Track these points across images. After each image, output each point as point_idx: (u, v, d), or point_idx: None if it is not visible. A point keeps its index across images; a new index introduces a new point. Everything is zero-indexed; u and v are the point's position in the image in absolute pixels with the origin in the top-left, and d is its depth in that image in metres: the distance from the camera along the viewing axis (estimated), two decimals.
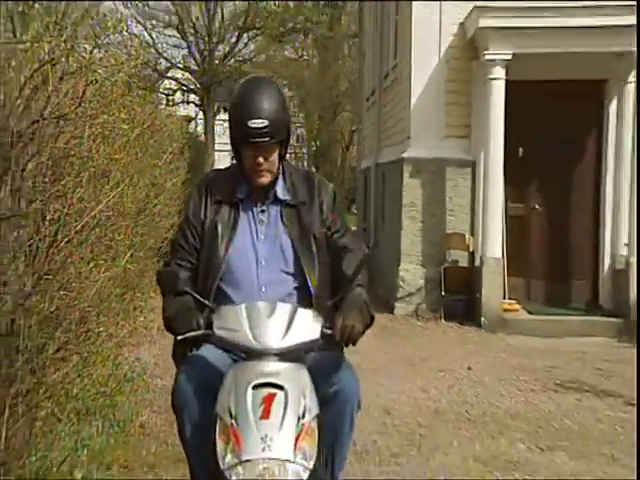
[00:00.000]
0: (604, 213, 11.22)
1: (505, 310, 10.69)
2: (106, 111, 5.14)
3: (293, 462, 2.80)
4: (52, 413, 4.87)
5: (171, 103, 32.69)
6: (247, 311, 3.08)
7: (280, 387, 2.89)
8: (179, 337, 3.09)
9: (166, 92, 34.07)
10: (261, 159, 3.37)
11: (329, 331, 3.10)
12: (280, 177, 3.54)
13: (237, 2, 33.53)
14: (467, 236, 11.24)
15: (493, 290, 10.50)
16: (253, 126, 3.28)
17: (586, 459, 5.74)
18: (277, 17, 32.48)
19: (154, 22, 33.25)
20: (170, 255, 3.59)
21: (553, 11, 10.13)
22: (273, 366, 2.97)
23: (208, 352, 3.28)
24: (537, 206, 11.47)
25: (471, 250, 11.21)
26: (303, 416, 2.87)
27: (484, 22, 10.29)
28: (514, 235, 11.15)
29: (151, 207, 7.85)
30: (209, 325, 3.10)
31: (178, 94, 35.85)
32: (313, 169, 34.82)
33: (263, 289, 3.43)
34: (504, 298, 10.80)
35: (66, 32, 4.91)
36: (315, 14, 32.04)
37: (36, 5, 5.66)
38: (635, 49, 9.53)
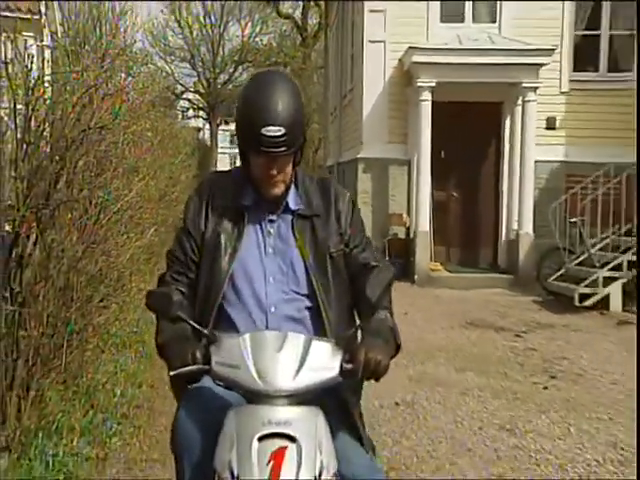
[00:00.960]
0: (501, 199, 11.32)
1: (432, 270, 10.77)
2: (136, 123, 5.14)
3: None
4: (97, 346, 4.87)
5: (185, 117, 32.85)
6: (252, 343, 1.90)
7: (292, 438, 1.77)
8: (171, 373, 1.96)
9: (181, 109, 34.41)
10: (275, 171, 2.13)
11: (350, 366, 1.91)
12: (292, 185, 2.26)
13: (233, 41, 33.88)
14: (404, 215, 11.32)
15: (423, 255, 10.58)
16: (268, 134, 2.05)
17: (487, 376, 5.80)
18: (264, 53, 32.97)
19: (172, 57, 33.60)
20: (166, 268, 2.37)
21: (465, 52, 10.22)
22: (283, 412, 1.81)
23: (213, 384, 2.07)
24: (454, 194, 11.54)
25: (407, 226, 11.29)
26: (320, 475, 1.77)
27: (416, 58, 10.31)
28: (438, 215, 11.20)
29: (170, 194, 7.88)
30: (207, 358, 1.94)
31: (190, 111, 36.09)
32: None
33: (272, 309, 2.18)
34: (431, 261, 10.86)
35: (106, 64, 4.88)
36: (292, 51, 32.04)
37: (85, 46, 5.58)
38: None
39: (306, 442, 1.78)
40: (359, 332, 2.06)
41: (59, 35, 6.15)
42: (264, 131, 2.05)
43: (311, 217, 2.26)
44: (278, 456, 1.75)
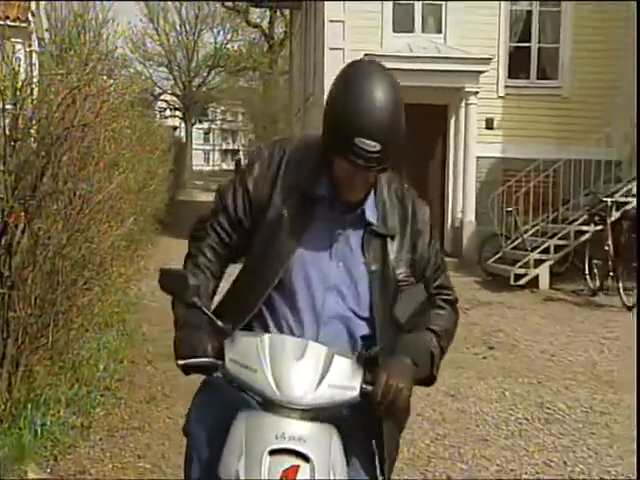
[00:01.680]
0: (447, 190, 11.31)
1: None
2: (116, 121, 5.04)
3: None
4: (82, 325, 4.79)
5: (162, 117, 32.47)
6: (270, 346, 1.56)
7: (305, 457, 1.48)
8: (179, 362, 1.61)
9: (159, 109, 34.04)
10: (359, 182, 1.64)
11: (369, 388, 1.56)
12: (372, 193, 1.72)
13: (207, 47, 33.58)
14: None
15: None
16: (361, 146, 1.53)
17: None
18: (234, 59, 32.68)
19: (151, 62, 33.19)
20: (211, 213, 1.82)
21: (415, 59, 10.20)
22: (297, 427, 1.51)
23: None
24: (406, 186, 11.55)
25: None
26: None
27: None
28: None
29: (148, 187, 7.74)
30: (221, 353, 1.59)
31: (167, 111, 35.64)
32: None
33: (326, 322, 1.69)
34: None
35: (89, 67, 4.79)
36: (260, 57, 31.78)
37: (70, 52, 5.47)
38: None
39: (320, 463, 1.48)
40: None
41: (46, 41, 5.99)
42: (357, 141, 1.54)
43: (385, 236, 1.72)
44: (290, 475, 1.46)
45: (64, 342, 4.30)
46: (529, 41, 11.09)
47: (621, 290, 7.59)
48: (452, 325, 1.82)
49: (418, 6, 10.93)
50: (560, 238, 8.98)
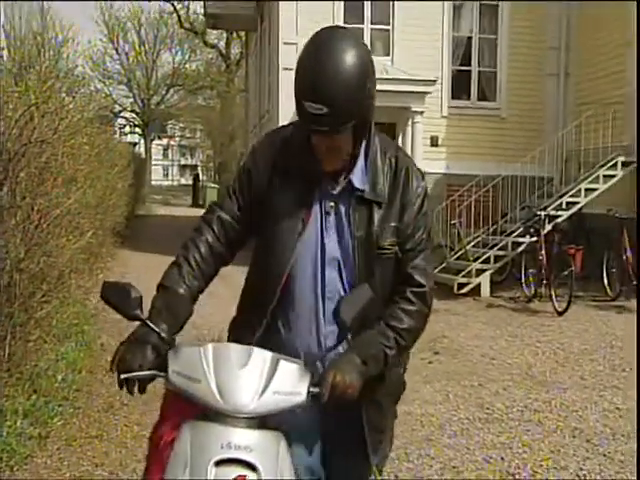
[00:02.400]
0: None
1: None
2: (74, 138, 4.97)
3: None
4: (40, 337, 4.68)
5: (122, 134, 32.03)
6: (214, 355, 1.50)
7: (252, 467, 1.40)
8: (122, 376, 1.51)
9: (119, 126, 33.57)
10: (324, 147, 1.58)
11: (317, 390, 1.51)
12: (361, 159, 1.65)
13: (165, 66, 33.35)
14: None
15: None
16: (308, 110, 1.51)
17: None
18: (192, 78, 32.52)
19: (110, 80, 32.84)
20: (213, 204, 1.76)
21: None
22: (243, 435, 1.43)
23: None
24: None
25: None
26: None
27: None
28: None
29: (107, 201, 7.62)
30: (163, 364, 1.52)
31: (127, 128, 35.14)
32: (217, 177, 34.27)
33: (326, 301, 1.66)
34: None
35: (47, 85, 4.72)
36: (217, 77, 31.70)
37: (30, 69, 5.37)
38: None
39: (267, 472, 1.40)
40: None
41: (4, 59, 5.87)
42: (305, 105, 1.51)
43: (370, 203, 1.64)
44: None
45: (21, 354, 4.19)
46: (470, 65, 11.40)
47: (553, 297, 7.82)
48: (418, 323, 1.67)
49: (367, 30, 11.12)
50: (499, 249, 9.20)
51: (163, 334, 1.53)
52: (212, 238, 1.68)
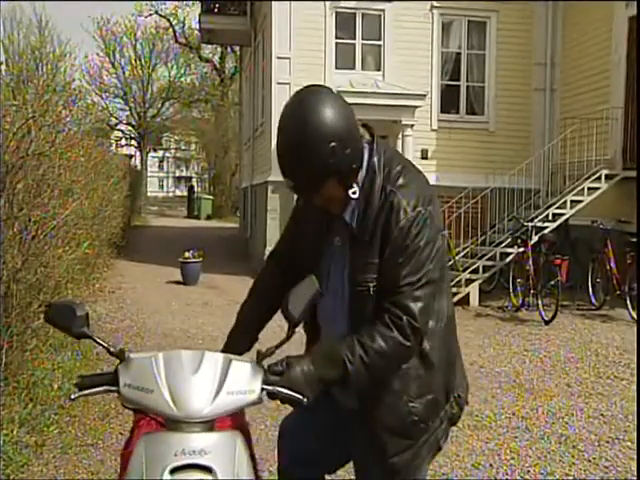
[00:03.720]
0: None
1: None
2: (71, 150, 4.98)
3: None
4: (37, 347, 4.67)
5: (118, 146, 32.04)
6: (165, 364, 1.49)
7: (208, 469, 1.41)
8: (73, 396, 1.52)
9: (115, 139, 33.66)
10: (317, 202, 1.71)
11: (270, 388, 1.53)
12: (357, 195, 1.69)
13: (161, 80, 33.43)
14: None
15: None
16: (285, 184, 1.70)
17: None
18: (187, 91, 32.63)
19: (107, 93, 32.85)
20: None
21: (356, 94, 10.35)
22: (198, 440, 1.43)
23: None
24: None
25: None
26: None
27: None
28: None
29: (103, 212, 7.60)
30: (115, 379, 1.51)
31: (123, 140, 35.16)
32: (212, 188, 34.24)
33: (323, 325, 1.82)
34: None
35: (44, 98, 4.73)
36: (212, 90, 31.78)
37: (28, 83, 5.39)
38: None
39: (224, 473, 1.40)
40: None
41: (2, 73, 5.88)
42: (285, 181, 1.67)
43: (355, 238, 1.69)
44: None
45: (18, 363, 4.18)
46: (459, 80, 11.50)
47: (540, 306, 7.87)
48: (391, 349, 1.60)
49: (358, 46, 11.22)
50: (488, 259, 9.25)
51: (112, 349, 1.54)
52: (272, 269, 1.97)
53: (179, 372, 1.47)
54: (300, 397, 1.55)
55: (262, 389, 1.52)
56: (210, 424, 1.47)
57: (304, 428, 1.92)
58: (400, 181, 1.69)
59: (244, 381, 1.50)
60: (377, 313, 1.64)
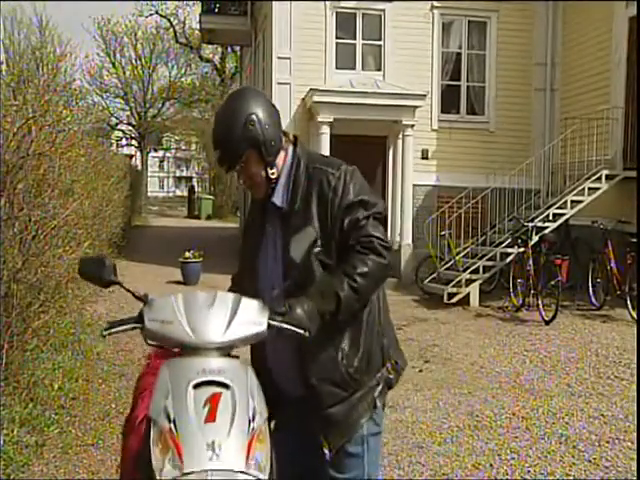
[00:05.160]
0: (386, 215, 11.48)
1: None
2: (71, 150, 4.97)
3: (246, 473, 1.52)
4: (37, 346, 4.66)
5: (119, 146, 32.06)
6: (184, 301, 1.72)
7: (226, 386, 1.60)
8: (104, 333, 1.77)
9: (116, 139, 33.65)
10: (242, 180, 1.98)
11: (274, 322, 1.74)
12: (282, 181, 1.97)
13: (162, 80, 33.42)
14: None
15: None
16: (215, 157, 1.97)
17: None
18: (188, 91, 32.61)
19: (107, 93, 32.85)
20: None
21: (357, 94, 10.40)
22: (215, 362, 1.64)
23: None
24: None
25: None
26: (253, 419, 1.59)
27: (316, 98, 10.38)
28: None
29: (103, 212, 7.60)
30: (140, 318, 1.73)
31: (123, 140, 35.16)
32: (212, 188, 34.20)
33: (275, 282, 1.99)
34: None
35: (45, 98, 4.72)
36: (212, 90, 31.76)
37: (28, 83, 5.39)
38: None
39: (239, 389, 1.60)
40: None
41: (3, 73, 5.88)
42: (214, 153, 1.95)
43: (288, 213, 1.93)
44: (214, 401, 1.56)
45: (18, 363, 4.18)
46: (459, 80, 11.50)
47: (540, 306, 7.87)
48: (372, 268, 1.85)
49: (359, 46, 11.22)
50: (488, 259, 9.24)
51: (136, 294, 1.80)
52: None
53: (196, 306, 1.70)
54: (302, 331, 1.74)
55: (268, 324, 1.73)
56: (224, 351, 1.67)
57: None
58: (321, 160, 2.03)
59: (253, 315, 1.73)
60: (347, 251, 1.88)
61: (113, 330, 1.76)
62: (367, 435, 1.99)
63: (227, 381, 1.60)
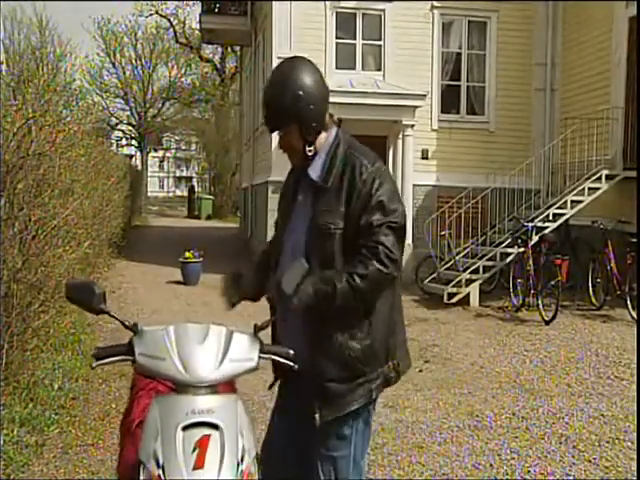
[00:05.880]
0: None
1: None
2: (71, 150, 4.98)
3: None
4: (37, 346, 4.66)
5: (119, 146, 32.08)
6: (176, 335, 1.70)
7: (215, 426, 1.60)
8: (94, 364, 1.74)
9: (116, 139, 33.60)
10: (279, 145, 2.09)
11: (266, 356, 1.80)
12: (321, 156, 2.05)
13: (162, 80, 33.42)
14: None
15: None
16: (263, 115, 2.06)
17: None
18: (188, 91, 32.62)
19: (107, 93, 32.79)
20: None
21: (357, 94, 10.38)
22: (206, 401, 1.63)
23: None
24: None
25: None
26: (242, 460, 1.60)
27: None
28: None
29: (103, 212, 7.61)
30: (130, 349, 1.71)
31: (123, 140, 35.19)
32: (212, 188, 34.22)
33: (296, 257, 2.01)
34: None
35: (45, 98, 4.73)
36: (212, 90, 31.75)
37: (28, 83, 5.39)
38: None
39: (228, 429, 1.60)
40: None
41: (3, 73, 5.88)
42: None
43: (321, 188, 2.02)
44: (203, 445, 1.56)
45: (19, 363, 4.18)
46: (459, 80, 11.50)
47: (540, 306, 7.87)
48: (372, 273, 1.92)
49: (359, 46, 11.22)
50: (488, 259, 9.23)
51: (126, 323, 1.77)
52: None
53: (188, 342, 1.69)
54: (291, 363, 1.82)
55: (259, 357, 1.77)
56: (215, 388, 1.68)
57: (278, 452, 2.20)
58: (360, 148, 2.09)
59: (244, 350, 1.74)
60: (354, 251, 1.95)
61: (102, 362, 1.74)
62: (357, 419, 2.08)
63: (217, 421, 1.61)
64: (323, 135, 2.07)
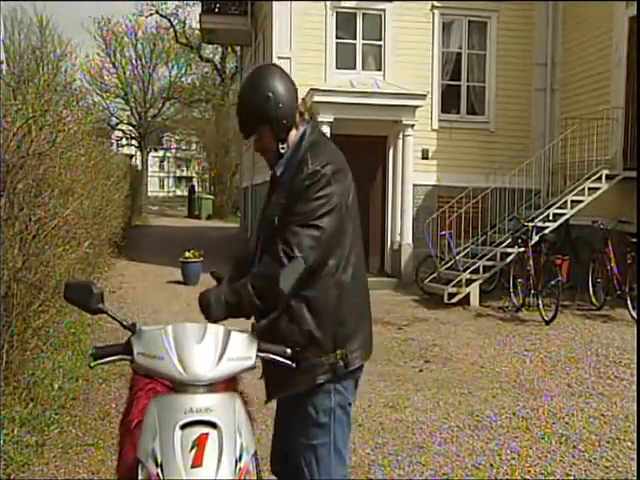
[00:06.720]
0: (387, 215, 11.39)
1: None
2: (71, 150, 4.98)
3: None
4: (37, 346, 4.66)
5: (119, 146, 32.10)
6: (174, 334, 1.70)
7: (213, 425, 1.60)
8: (92, 364, 1.76)
9: (116, 139, 33.57)
10: (255, 148, 2.23)
11: (263, 355, 1.81)
12: (288, 154, 2.16)
13: (162, 80, 33.43)
14: None
15: None
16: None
17: (375, 363, 5.77)
18: (188, 91, 32.62)
19: (108, 93, 32.82)
20: None
21: (357, 94, 10.38)
22: (203, 400, 1.63)
23: None
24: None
25: None
26: (240, 458, 1.60)
27: (317, 98, 10.34)
28: None
29: (103, 212, 7.60)
30: (128, 349, 1.72)
31: (124, 140, 35.21)
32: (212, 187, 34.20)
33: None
34: None
35: (45, 98, 4.72)
36: (213, 90, 31.76)
37: (29, 83, 5.38)
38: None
39: (226, 427, 1.60)
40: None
41: (3, 72, 5.89)
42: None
43: (277, 182, 2.17)
44: (201, 443, 1.56)
45: (19, 362, 4.18)
46: (459, 80, 11.50)
47: (541, 306, 7.87)
48: (265, 271, 2.01)
49: (359, 46, 11.22)
50: (488, 259, 9.23)
51: (124, 323, 1.77)
52: None
53: (186, 342, 1.69)
54: (289, 362, 1.83)
55: (257, 356, 1.77)
56: (213, 386, 1.68)
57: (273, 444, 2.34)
58: (317, 146, 2.16)
59: (242, 349, 1.74)
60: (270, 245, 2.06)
61: (101, 362, 1.76)
62: (334, 407, 2.12)
63: (215, 420, 1.61)
64: (293, 133, 2.17)
